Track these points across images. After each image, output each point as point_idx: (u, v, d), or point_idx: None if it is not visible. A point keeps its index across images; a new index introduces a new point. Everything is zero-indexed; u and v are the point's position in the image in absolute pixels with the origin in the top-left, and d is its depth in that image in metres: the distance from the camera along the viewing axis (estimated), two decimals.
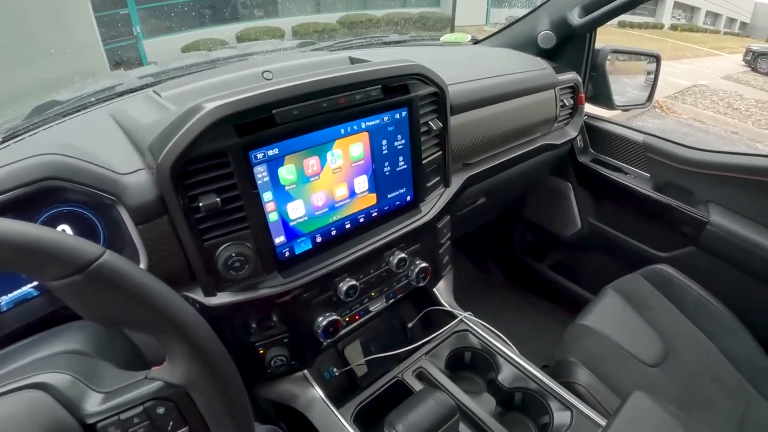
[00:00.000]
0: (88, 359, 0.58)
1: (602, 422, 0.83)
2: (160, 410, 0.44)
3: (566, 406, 0.86)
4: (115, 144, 0.74)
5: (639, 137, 1.55)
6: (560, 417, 0.85)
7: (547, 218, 1.80)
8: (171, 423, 0.44)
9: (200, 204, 0.65)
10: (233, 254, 0.70)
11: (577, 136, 1.51)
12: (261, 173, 0.70)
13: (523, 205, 1.85)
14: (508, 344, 0.97)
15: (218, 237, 0.69)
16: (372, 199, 0.85)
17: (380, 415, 0.91)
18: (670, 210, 1.46)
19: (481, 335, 0.98)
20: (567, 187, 1.70)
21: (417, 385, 0.88)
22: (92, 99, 0.97)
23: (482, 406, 0.85)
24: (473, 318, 1.01)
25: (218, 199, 0.66)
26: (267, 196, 0.72)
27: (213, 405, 0.45)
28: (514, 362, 0.93)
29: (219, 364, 0.44)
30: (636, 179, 1.55)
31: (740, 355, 1.19)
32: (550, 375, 0.92)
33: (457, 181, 1.03)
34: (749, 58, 11.29)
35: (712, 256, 1.41)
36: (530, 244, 1.97)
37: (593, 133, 1.65)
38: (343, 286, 0.83)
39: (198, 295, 0.72)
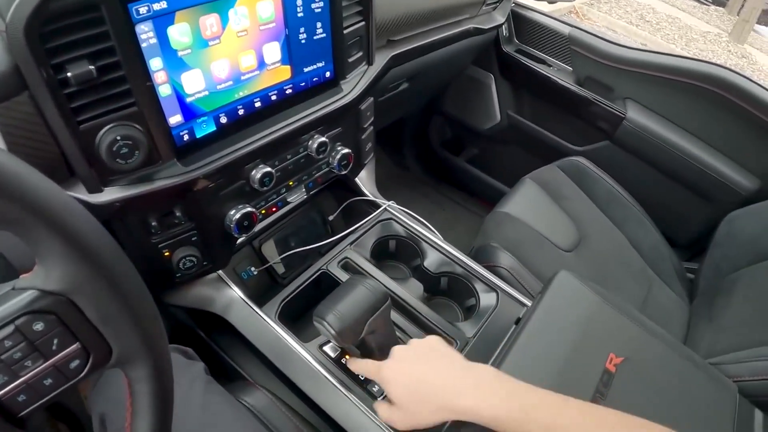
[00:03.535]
0: None
1: (526, 302, 0.84)
2: (38, 326, 0.33)
3: (491, 287, 0.87)
4: None
5: (565, 29, 1.51)
6: (486, 298, 0.86)
7: (466, 111, 1.77)
8: (56, 341, 0.35)
9: (69, 74, 0.51)
10: (119, 138, 0.57)
11: (503, 23, 1.44)
12: (146, 33, 0.56)
13: (442, 97, 1.79)
14: (433, 231, 0.95)
15: (97, 117, 0.56)
16: (285, 72, 0.74)
17: (307, 310, 0.87)
18: (589, 104, 1.47)
19: (406, 223, 0.94)
20: (489, 77, 1.66)
21: (343, 276, 0.83)
22: None
23: (410, 292, 0.83)
24: (397, 206, 0.97)
25: (92, 67, 0.52)
26: (155, 63, 0.58)
27: (105, 310, 0.35)
28: (439, 248, 0.91)
29: (105, 256, 0.34)
30: (558, 72, 1.54)
31: (644, 243, 1.28)
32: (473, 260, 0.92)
33: (380, 60, 0.93)
34: None
35: (625, 151, 1.47)
36: (448, 138, 1.95)
37: (519, 22, 1.59)
38: (257, 173, 0.74)
39: (81, 193, 0.59)
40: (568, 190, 1.32)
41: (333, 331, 0.62)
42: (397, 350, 0.61)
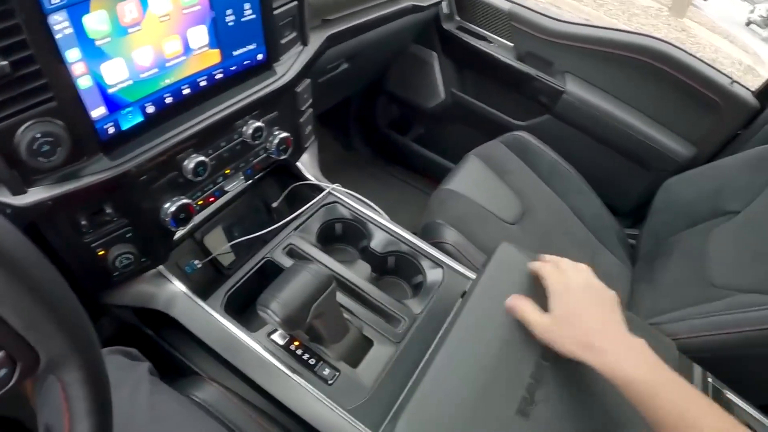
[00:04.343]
0: None
1: (471, 275, 0.86)
2: None
3: (437, 263, 0.88)
4: None
5: (505, 5, 1.53)
6: (432, 274, 0.87)
7: (410, 90, 1.77)
8: None
9: None
10: (38, 135, 0.54)
11: (443, 0, 1.44)
12: (60, 23, 0.53)
13: (387, 77, 1.79)
14: (378, 212, 0.95)
15: (14, 114, 0.53)
16: (215, 56, 0.71)
17: (253, 299, 0.85)
18: (529, 79, 1.50)
19: (351, 205, 0.94)
20: (431, 56, 1.66)
21: (289, 263, 0.83)
22: None
23: (357, 273, 0.83)
24: (341, 189, 0.97)
25: (5, 63, 0.49)
26: (72, 54, 0.55)
27: (28, 316, 0.34)
28: (385, 228, 0.92)
29: (22, 260, 0.32)
30: (500, 48, 1.56)
31: (587, 212, 1.32)
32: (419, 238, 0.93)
33: (316, 40, 0.92)
34: None
35: (566, 124, 1.51)
36: (393, 117, 1.95)
37: None
38: (189, 163, 0.71)
39: (4, 196, 0.56)
40: (511, 164, 1.34)
41: (278, 319, 0.62)
42: (574, 274, 0.65)
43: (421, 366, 0.66)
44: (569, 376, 0.63)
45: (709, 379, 0.74)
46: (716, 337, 0.86)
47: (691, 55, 1.34)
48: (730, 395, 0.75)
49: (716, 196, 1.15)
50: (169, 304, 0.77)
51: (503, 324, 0.67)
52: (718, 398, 0.73)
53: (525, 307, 0.63)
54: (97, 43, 0.57)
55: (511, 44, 1.56)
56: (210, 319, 0.75)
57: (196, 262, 0.88)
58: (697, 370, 0.74)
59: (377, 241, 0.91)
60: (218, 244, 0.90)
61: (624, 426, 0.61)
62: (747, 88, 1.35)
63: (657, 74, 1.36)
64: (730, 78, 1.35)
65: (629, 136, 1.43)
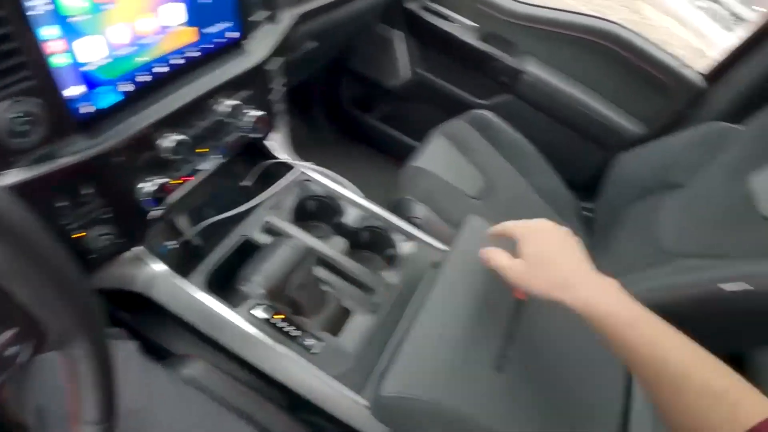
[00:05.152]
0: None
1: (441, 247, 0.91)
2: None
3: (409, 237, 0.92)
4: None
5: None
6: (404, 247, 0.91)
7: (375, 68, 1.78)
8: None
9: None
10: (16, 114, 0.53)
11: None
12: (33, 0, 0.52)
13: (352, 56, 1.79)
14: (350, 188, 0.98)
15: None
16: (189, 34, 0.72)
17: (232, 278, 0.87)
18: (492, 60, 1.55)
19: (323, 183, 0.96)
20: (397, 35, 1.68)
21: (266, 240, 0.84)
22: None
23: (334, 248, 0.86)
24: (313, 167, 0.98)
25: None
26: (48, 31, 0.55)
27: (35, 292, 0.34)
28: (358, 204, 0.95)
29: (28, 236, 0.33)
30: (464, 29, 1.59)
31: (545, 188, 1.39)
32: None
33: (286, 19, 0.92)
34: None
35: (526, 103, 1.57)
36: (358, 96, 1.96)
37: None
38: (167, 142, 0.71)
39: None
40: (474, 142, 1.39)
41: (261, 291, 0.64)
42: (537, 222, 0.65)
43: (402, 330, 0.70)
44: (540, 333, 0.68)
45: None
46: (669, 296, 0.91)
47: (643, 38, 1.42)
48: None
49: (664, 170, 1.24)
50: (149, 284, 0.77)
51: (477, 288, 0.72)
52: None
53: (497, 255, 0.63)
54: (73, 19, 0.57)
55: (476, 25, 1.60)
56: (191, 298, 0.75)
57: (169, 243, 0.87)
58: None
59: (350, 217, 0.94)
60: (191, 224, 0.90)
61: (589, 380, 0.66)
62: (694, 70, 1.44)
63: (611, 56, 1.43)
64: (680, 60, 1.44)
65: (585, 114, 1.51)
